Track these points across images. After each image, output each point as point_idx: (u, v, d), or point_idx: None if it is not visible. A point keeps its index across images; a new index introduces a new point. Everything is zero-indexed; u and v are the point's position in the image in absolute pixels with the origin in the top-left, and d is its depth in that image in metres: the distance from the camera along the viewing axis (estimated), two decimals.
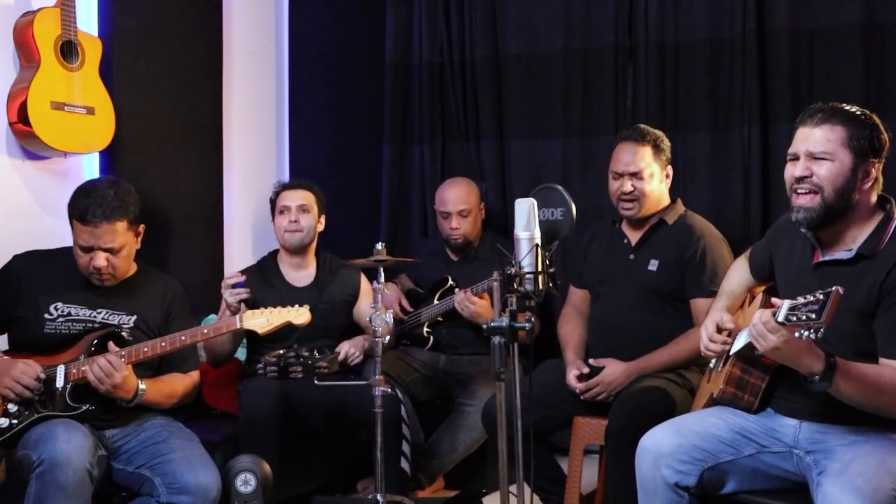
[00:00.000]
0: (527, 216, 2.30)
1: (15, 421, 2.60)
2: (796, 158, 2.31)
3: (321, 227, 3.58)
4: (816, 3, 3.56)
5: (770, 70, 3.63)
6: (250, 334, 3.10)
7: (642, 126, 3.21)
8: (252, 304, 3.08)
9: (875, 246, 2.26)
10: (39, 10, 3.12)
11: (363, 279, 3.59)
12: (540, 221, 2.32)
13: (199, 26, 3.84)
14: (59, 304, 2.77)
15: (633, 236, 3.20)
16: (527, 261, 2.26)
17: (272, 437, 3.07)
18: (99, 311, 2.80)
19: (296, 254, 3.54)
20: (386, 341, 2.92)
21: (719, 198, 3.75)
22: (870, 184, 2.28)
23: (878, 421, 2.24)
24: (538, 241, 2.28)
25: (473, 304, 3.54)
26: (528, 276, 2.25)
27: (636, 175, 3.11)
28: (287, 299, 2.98)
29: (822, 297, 1.97)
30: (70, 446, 2.45)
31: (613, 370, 3.04)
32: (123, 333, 2.78)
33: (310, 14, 4.36)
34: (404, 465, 3.28)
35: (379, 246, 2.95)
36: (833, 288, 1.97)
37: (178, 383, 2.85)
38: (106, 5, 3.47)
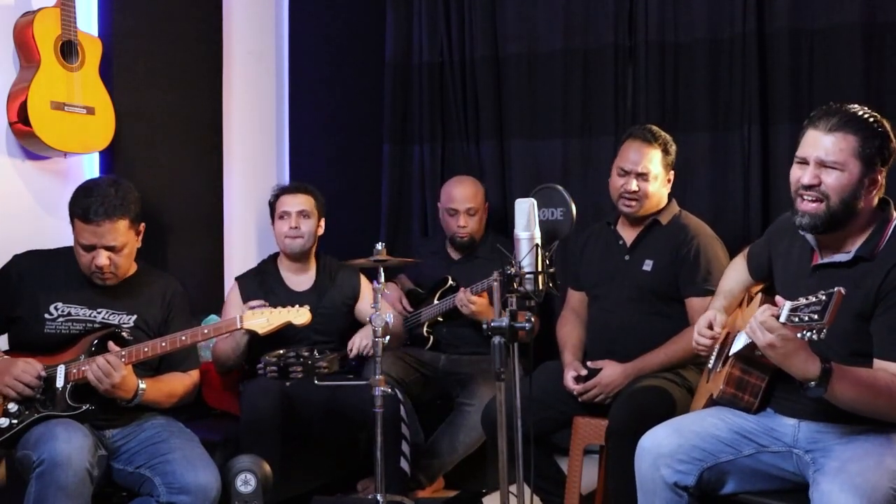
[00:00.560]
0: (527, 216, 2.29)
1: (15, 421, 2.60)
2: (805, 162, 2.27)
3: (321, 231, 3.57)
4: (816, 3, 3.56)
5: (770, 70, 3.63)
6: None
7: (654, 127, 3.19)
8: None
9: (873, 249, 2.25)
10: (39, 10, 3.12)
11: (363, 279, 3.59)
12: (540, 221, 2.32)
13: (199, 26, 3.84)
14: (60, 304, 2.77)
15: (628, 237, 3.20)
16: (527, 261, 2.27)
17: (273, 437, 3.08)
18: (99, 310, 2.80)
19: (296, 259, 3.53)
20: (386, 341, 2.91)
21: (719, 198, 3.75)
22: (875, 191, 2.27)
23: (877, 420, 2.23)
24: (538, 241, 2.28)
25: (473, 303, 3.55)
26: (528, 276, 2.25)
27: (642, 176, 3.11)
28: (287, 304, 2.97)
29: (824, 297, 1.97)
30: (70, 446, 2.45)
31: (611, 372, 3.04)
32: (123, 333, 2.78)
33: (310, 14, 4.36)
34: (404, 465, 3.28)
35: (379, 246, 2.95)
36: (836, 289, 1.96)
37: (178, 383, 2.85)
38: (106, 5, 3.47)
